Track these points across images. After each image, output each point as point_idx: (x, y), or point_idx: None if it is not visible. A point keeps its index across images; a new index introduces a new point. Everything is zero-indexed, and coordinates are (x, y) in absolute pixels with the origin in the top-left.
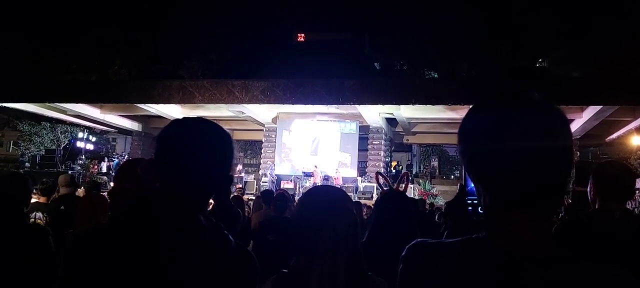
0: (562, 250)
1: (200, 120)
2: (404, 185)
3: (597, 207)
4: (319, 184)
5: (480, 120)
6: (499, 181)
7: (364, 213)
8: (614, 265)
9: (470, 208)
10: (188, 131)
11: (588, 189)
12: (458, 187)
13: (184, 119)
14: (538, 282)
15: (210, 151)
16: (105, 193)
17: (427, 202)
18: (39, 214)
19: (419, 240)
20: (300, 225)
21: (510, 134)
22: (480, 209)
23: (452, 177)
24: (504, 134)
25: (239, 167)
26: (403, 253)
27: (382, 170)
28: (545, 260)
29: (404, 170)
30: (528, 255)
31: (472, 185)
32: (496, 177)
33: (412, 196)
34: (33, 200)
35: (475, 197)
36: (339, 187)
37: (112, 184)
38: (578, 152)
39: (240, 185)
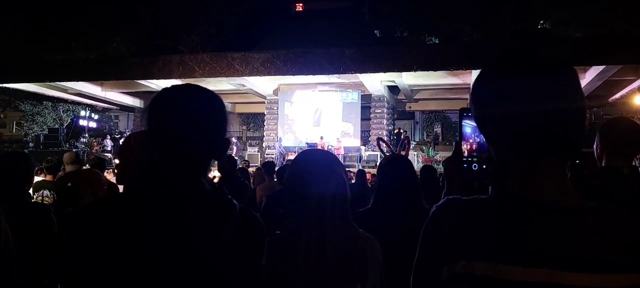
0: (592, 202)
1: (188, 86)
2: (405, 150)
3: (603, 164)
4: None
5: (495, 82)
6: (518, 140)
7: (369, 182)
8: None
9: (465, 166)
10: (177, 98)
11: (594, 147)
12: (454, 145)
13: (172, 86)
14: (577, 230)
15: (200, 115)
16: (111, 170)
17: None
18: (47, 192)
19: (451, 197)
20: (289, 189)
21: (527, 94)
22: (484, 166)
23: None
24: (521, 95)
25: (234, 139)
26: (434, 210)
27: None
28: (578, 210)
29: (404, 134)
30: (561, 207)
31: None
32: (515, 136)
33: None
34: (40, 179)
35: (473, 155)
36: (331, 150)
37: (117, 161)
38: None
39: (246, 159)
